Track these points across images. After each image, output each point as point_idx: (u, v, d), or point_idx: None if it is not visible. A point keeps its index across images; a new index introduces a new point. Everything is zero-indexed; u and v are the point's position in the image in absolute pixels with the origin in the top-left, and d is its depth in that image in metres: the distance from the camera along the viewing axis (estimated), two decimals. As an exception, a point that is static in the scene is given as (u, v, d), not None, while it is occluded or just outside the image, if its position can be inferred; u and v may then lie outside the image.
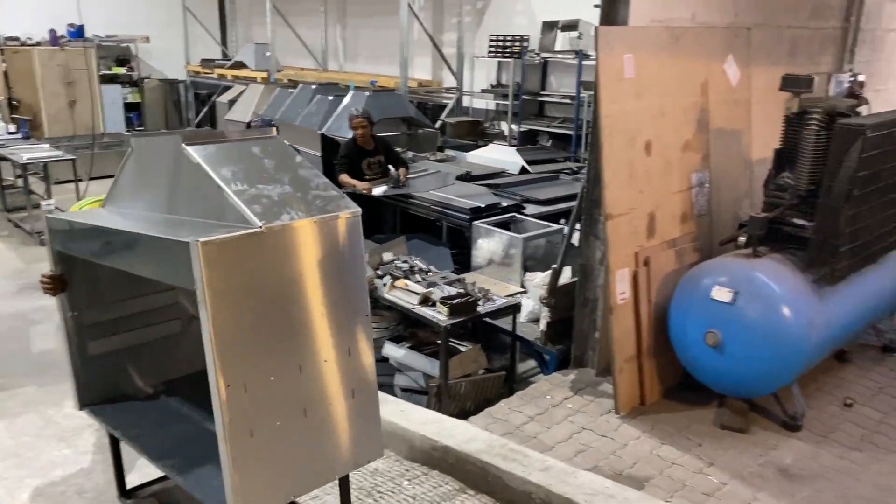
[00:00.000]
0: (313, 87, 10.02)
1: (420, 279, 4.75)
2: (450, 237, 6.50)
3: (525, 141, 10.42)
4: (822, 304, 3.59)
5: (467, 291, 4.47)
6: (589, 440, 3.69)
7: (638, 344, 3.93)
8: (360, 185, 6.23)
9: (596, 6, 3.91)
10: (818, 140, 3.59)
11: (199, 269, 1.87)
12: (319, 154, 6.73)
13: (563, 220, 6.72)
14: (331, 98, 9.36)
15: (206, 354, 1.95)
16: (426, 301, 4.38)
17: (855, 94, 5.48)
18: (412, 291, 4.52)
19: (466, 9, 11.16)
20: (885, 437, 3.70)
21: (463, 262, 6.14)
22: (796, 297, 3.49)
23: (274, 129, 5.42)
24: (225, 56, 15.15)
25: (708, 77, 4.25)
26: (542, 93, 10.52)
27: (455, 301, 4.24)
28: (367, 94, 9.04)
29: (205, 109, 14.23)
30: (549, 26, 9.91)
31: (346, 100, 9.09)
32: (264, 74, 12.56)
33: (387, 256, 5.04)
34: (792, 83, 3.65)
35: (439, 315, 4.23)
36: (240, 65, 13.36)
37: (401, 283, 4.67)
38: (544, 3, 10.23)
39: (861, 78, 5.64)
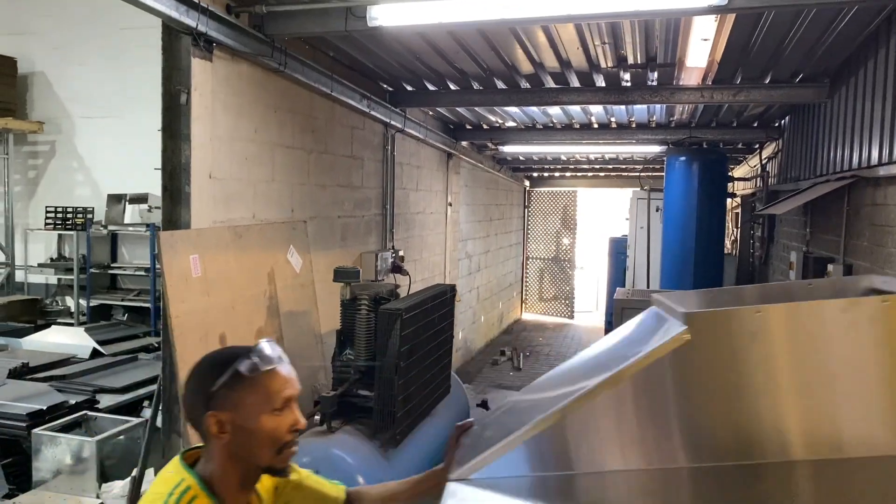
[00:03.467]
0: None
1: (-41, 518, 3.90)
2: None
3: (97, 317, 9.62)
4: (389, 465, 4.06)
5: (26, 523, 3.83)
6: None
7: (231, 540, 3.85)
8: None
9: (155, 208, 4.01)
10: (368, 321, 4.19)
11: None
12: None
13: (145, 408, 6.33)
14: None
15: None
16: (-31, 547, 3.60)
17: (398, 266, 6.58)
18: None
19: (16, 178, 10.16)
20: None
21: (21, 476, 5.26)
22: (368, 465, 3.89)
23: None
24: None
25: (273, 267, 4.65)
26: (112, 265, 9.97)
27: (10, 539, 3.59)
28: None
29: None
30: (117, 199, 9.62)
31: None
32: None
33: None
34: (343, 275, 4.24)
35: (-12, 562, 3.52)
36: None
37: (-70, 529, 3.77)
38: (107, 176, 9.92)
39: (401, 253, 6.82)
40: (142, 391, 6.29)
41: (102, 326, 8.98)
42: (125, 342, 8.22)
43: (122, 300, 9.66)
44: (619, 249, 10.54)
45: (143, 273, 9.61)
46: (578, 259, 14.31)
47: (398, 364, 3.99)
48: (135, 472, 4.06)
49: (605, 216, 15.83)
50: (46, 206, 9.75)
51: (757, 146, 8.71)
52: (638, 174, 9.97)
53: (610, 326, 10.63)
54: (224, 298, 4.10)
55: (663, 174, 11.42)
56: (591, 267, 15.38)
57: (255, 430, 1.54)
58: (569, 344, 11.33)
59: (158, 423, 4.24)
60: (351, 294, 4.29)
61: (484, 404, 7.04)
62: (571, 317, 13.60)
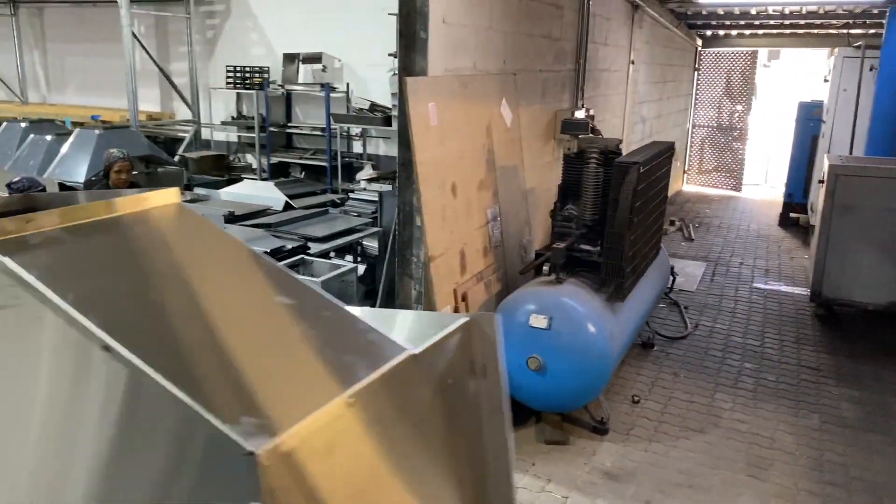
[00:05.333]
0: (23, 124, 8.62)
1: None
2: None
3: (276, 174, 10.16)
4: (615, 318, 4.10)
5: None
6: (435, 481, 3.73)
7: (463, 377, 4.09)
8: None
9: (391, 55, 3.99)
10: (597, 175, 4.09)
11: None
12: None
13: (332, 257, 6.72)
14: (50, 138, 8.14)
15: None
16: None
17: (590, 126, 6.35)
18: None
19: (196, 38, 10.55)
20: (670, 426, 4.35)
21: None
22: (597, 316, 3.94)
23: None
24: None
25: (490, 120, 4.59)
26: (288, 124, 10.36)
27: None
28: (96, 131, 8.06)
29: None
30: (291, 58, 9.81)
31: (71, 139, 8.00)
32: (-57, 109, 10.49)
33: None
34: (571, 126, 4.12)
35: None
36: None
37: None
38: (281, 36, 10.10)
39: (592, 112, 6.57)
40: (338, 241, 6.67)
41: (284, 182, 9.47)
42: (307, 197, 8.65)
43: (300, 158, 10.09)
44: (807, 115, 9.62)
45: (318, 133, 9.94)
46: (750, 128, 13.27)
47: (631, 219, 3.90)
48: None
49: (781, 82, 14.47)
50: (227, 66, 10.13)
51: None
52: (846, 31, 8.88)
53: (791, 199, 9.97)
54: (454, 148, 4.11)
55: (867, 31, 10.12)
56: (759, 137, 14.30)
57: None
58: (739, 217, 10.78)
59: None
60: (578, 147, 4.18)
61: (671, 271, 6.91)
62: (738, 189, 12.83)
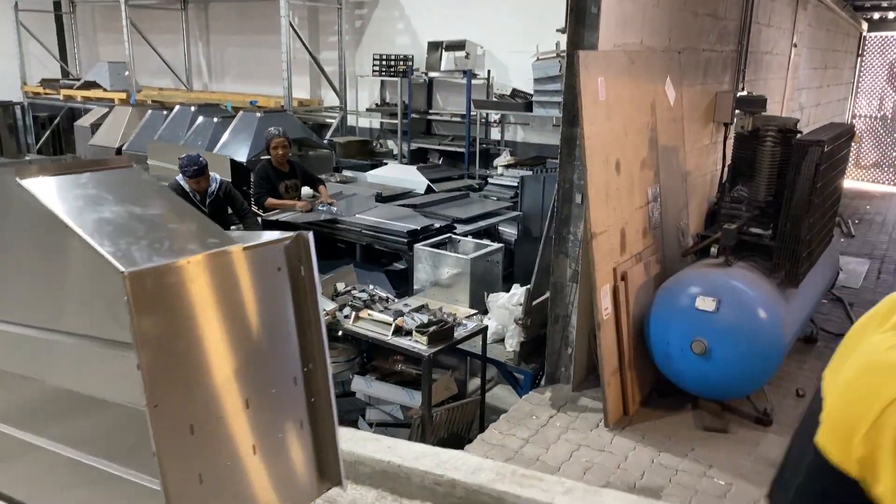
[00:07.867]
0: (192, 108, 9.37)
1: (382, 308, 4.57)
2: (370, 260, 6.39)
3: (414, 159, 10.41)
4: (787, 305, 3.90)
5: (439, 318, 4.36)
6: (590, 456, 3.73)
7: (620, 356, 4.04)
8: (300, 204, 5.94)
9: (559, 30, 3.99)
10: (773, 155, 3.91)
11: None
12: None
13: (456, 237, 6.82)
14: (216, 120, 8.80)
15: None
16: (399, 331, 4.22)
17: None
18: (380, 321, 4.34)
19: (345, 27, 11.00)
20: (841, 422, 4.08)
21: (395, 285, 6.03)
22: (769, 301, 3.76)
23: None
24: (67, 75, 13.79)
25: (655, 97, 4.49)
26: (429, 111, 10.59)
27: (432, 329, 4.12)
28: (257, 115, 8.60)
29: (46, 134, 12.88)
30: (434, 46, 10.01)
31: (235, 122, 8.61)
32: (122, 95, 11.56)
33: (340, 286, 4.80)
34: (747, 104, 3.95)
35: (418, 345, 4.09)
36: (91, 85, 12.21)
37: (364, 313, 4.47)
38: (426, 24, 10.33)
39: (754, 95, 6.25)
40: (481, 223, 6.76)
41: (423, 167, 9.70)
42: (446, 182, 8.83)
43: (438, 144, 10.29)
44: None
45: (457, 120, 10.09)
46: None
47: (810, 200, 3.70)
48: (529, 286, 4.38)
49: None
50: (373, 54, 10.49)
51: None
52: None
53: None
54: (619, 124, 4.06)
55: None
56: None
57: None
58: (905, 214, 9.92)
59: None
60: (753, 125, 4.01)
61: (832, 265, 6.47)
62: (903, 185, 11.83)
